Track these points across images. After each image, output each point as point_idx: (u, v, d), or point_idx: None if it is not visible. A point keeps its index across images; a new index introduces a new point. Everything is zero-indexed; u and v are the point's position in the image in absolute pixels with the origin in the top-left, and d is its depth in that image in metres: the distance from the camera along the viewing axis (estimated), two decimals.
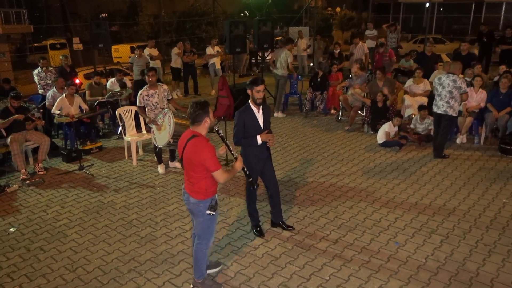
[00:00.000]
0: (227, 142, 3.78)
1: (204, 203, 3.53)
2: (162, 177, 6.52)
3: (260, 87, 4.24)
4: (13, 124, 6.60)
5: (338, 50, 11.84)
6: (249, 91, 4.32)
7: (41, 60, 9.13)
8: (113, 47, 20.29)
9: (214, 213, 3.57)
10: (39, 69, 9.07)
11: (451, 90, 6.55)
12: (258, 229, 4.76)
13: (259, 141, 4.33)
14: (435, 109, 6.84)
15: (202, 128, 3.49)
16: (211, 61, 12.77)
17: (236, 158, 3.70)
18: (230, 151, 3.77)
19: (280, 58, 9.69)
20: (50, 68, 9.46)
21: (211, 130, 3.60)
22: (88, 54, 19.78)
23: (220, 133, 3.71)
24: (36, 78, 9.06)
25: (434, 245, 4.46)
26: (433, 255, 4.27)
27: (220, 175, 3.45)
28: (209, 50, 12.90)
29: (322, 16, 29.56)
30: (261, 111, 4.40)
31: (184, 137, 3.55)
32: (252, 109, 4.35)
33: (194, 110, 3.42)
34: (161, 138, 5.88)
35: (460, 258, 4.22)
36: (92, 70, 12.10)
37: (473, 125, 7.72)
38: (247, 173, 3.99)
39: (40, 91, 9.13)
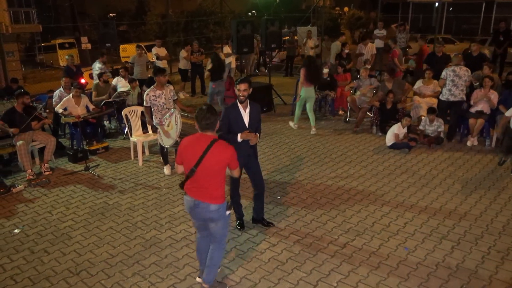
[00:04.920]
0: None
1: (223, 206, 3.55)
2: (168, 178, 6.46)
3: (242, 86, 4.37)
4: (19, 124, 6.58)
5: (347, 51, 11.70)
6: (234, 89, 4.50)
7: (68, 57, 9.61)
8: (121, 46, 20.29)
9: (231, 211, 3.68)
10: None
11: (466, 79, 7.46)
12: (239, 222, 4.92)
13: (239, 139, 4.45)
14: (451, 98, 7.54)
15: (213, 132, 3.55)
16: (227, 60, 12.72)
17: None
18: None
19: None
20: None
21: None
22: (96, 54, 19.83)
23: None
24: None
25: (445, 251, 4.35)
26: (444, 262, 4.16)
27: (238, 171, 3.67)
28: (226, 49, 12.84)
29: (330, 16, 29.37)
30: (247, 110, 4.51)
31: (199, 145, 3.43)
32: (238, 107, 4.48)
33: (211, 117, 3.44)
34: (168, 138, 5.82)
35: (472, 265, 4.11)
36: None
37: (484, 127, 7.58)
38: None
39: None
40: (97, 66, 10.14)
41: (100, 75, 9.39)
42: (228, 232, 3.79)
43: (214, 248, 3.70)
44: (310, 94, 8.24)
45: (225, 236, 3.72)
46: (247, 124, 4.52)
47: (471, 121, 7.49)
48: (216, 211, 3.51)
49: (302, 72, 8.17)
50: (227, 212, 3.58)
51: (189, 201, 3.55)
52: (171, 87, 6.50)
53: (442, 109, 7.80)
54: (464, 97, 7.60)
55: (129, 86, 9.06)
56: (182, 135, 5.24)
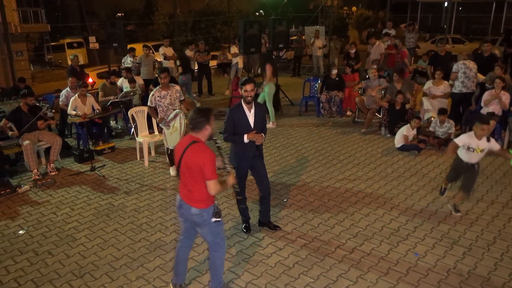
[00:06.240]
0: (223, 153, 3.66)
1: (207, 211, 3.43)
2: (174, 180, 6.40)
3: (248, 86, 4.33)
4: (24, 124, 6.56)
5: (354, 50, 11.53)
6: (239, 90, 4.46)
7: (73, 57, 9.80)
8: (128, 46, 20.31)
9: (220, 219, 3.46)
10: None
11: (475, 72, 7.94)
12: (245, 225, 4.84)
13: (246, 140, 4.40)
14: (464, 90, 7.94)
15: (202, 135, 3.41)
16: (234, 60, 12.65)
17: (228, 172, 3.58)
18: (224, 163, 3.63)
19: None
20: None
21: (209, 138, 3.51)
22: (104, 53, 19.89)
23: (218, 144, 3.64)
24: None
25: (456, 257, 4.24)
26: (455, 269, 4.05)
27: (214, 185, 3.32)
28: (233, 49, 12.76)
29: (338, 16, 29.19)
30: (252, 110, 4.46)
31: (182, 144, 3.45)
32: (243, 108, 4.43)
33: (196, 116, 3.38)
34: (173, 139, 5.77)
35: (485, 272, 3.99)
36: (106, 69, 12.09)
37: (495, 129, 7.41)
38: (237, 189, 3.96)
39: None
40: (128, 60, 10.66)
41: (111, 74, 9.41)
42: (222, 240, 3.55)
43: (210, 256, 3.62)
44: (274, 88, 8.84)
45: (217, 244, 3.55)
46: (252, 125, 4.46)
47: None
48: (198, 216, 3.42)
49: (269, 68, 8.55)
50: (213, 220, 3.42)
51: (177, 199, 3.57)
52: (177, 87, 6.43)
53: (455, 103, 8.18)
54: (475, 88, 8.06)
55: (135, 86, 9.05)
56: None
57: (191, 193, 3.41)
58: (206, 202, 3.41)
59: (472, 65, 7.95)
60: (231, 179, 3.52)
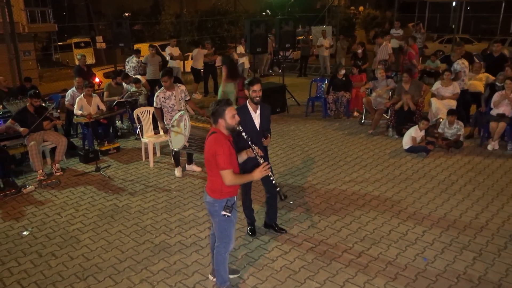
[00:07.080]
0: (254, 146, 3.63)
1: (220, 202, 3.44)
2: (179, 181, 6.35)
3: (256, 87, 4.25)
4: (30, 124, 6.55)
5: (360, 50, 11.41)
6: (246, 92, 4.35)
7: (80, 57, 9.92)
8: (135, 46, 20.32)
9: (229, 214, 3.44)
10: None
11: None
12: (251, 228, 4.77)
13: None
14: (466, 87, 8.38)
15: (219, 126, 3.44)
16: (241, 60, 12.60)
17: (258, 165, 3.50)
18: (256, 155, 3.61)
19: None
20: None
21: (232, 131, 3.47)
22: (111, 53, 19.93)
23: (245, 137, 3.58)
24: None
25: (466, 262, 4.14)
26: (465, 274, 3.96)
27: (227, 175, 3.32)
28: (239, 49, 12.70)
29: (345, 15, 29.01)
30: (258, 111, 4.39)
31: (208, 134, 3.54)
32: (248, 109, 4.35)
33: (212, 110, 3.43)
34: (177, 141, 5.69)
35: (495, 278, 3.89)
36: (113, 69, 12.08)
37: (506, 131, 7.29)
38: (274, 182, 3.82)
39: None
40: (134, 59, 10.66)
41: (117, 74, 9.39)
42: (227, 238, 3.54)
43: (216, 246, 3.63)
44: (231, 89, 8.83)
45: (222, 239, 3.54)
46: (258, 127, 4.39)
47: (492, 124, 7.21)
48: (211, 204, 3.48)
49: (224, 69, 8.82)
50: (223, 213, 3.43)
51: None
52: (182, 87, 6.38)
53: (462, 101, 8.26)
54: None
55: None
56: (191, 139, 5.11)
57: (209, 181, 3.50)
58: (221, 193, 3.43)
59: (467, 63, 8.48)
60: (257, 173, 3.43)
